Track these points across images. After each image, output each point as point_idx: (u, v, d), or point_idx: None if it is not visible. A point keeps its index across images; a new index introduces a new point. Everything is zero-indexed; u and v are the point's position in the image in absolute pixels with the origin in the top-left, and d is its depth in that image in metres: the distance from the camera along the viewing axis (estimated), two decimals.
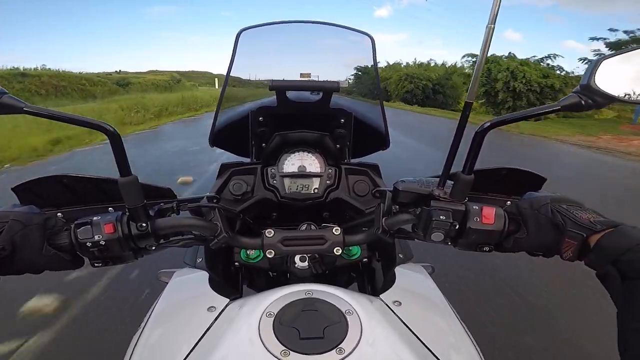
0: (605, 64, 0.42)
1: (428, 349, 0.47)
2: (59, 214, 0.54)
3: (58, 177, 0.55)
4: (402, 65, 26.08)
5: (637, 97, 0.42)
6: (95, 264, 0.49)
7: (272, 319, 0.44)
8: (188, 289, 0.65)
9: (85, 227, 0.46)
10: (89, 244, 0.46)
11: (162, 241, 0.52)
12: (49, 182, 0.55)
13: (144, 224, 0.48)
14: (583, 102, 0.42)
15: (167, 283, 0.68)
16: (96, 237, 0.46)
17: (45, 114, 0.41)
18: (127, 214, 0.48)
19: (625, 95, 0.42)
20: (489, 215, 0.48)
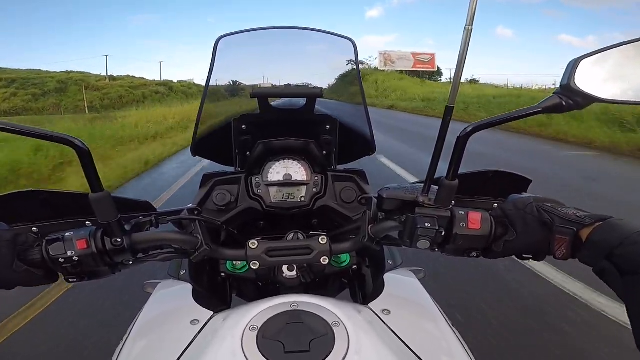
0: (584, 64, 0.41)
1: (419, 358, 0.46)
2: (33, 228, 0.52)
3: (32, 192, 0.53)
4: None
5: (618, 96, 0.41)
6: (70, 280, 0.48)
7: (256, 332, 0.43)
8: (171, 302, 0.64)
9: (57, 243, 0.45)
10: (61, 260, 0.45)
11: (140, 255, 0.51)
12: (23, 197, 0.53)
13: (118, 239, 0.47)
14: (564, 103, 0.41)
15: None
16: (69, 253, 0.45)
17: (12, 129, 0.39)
18: (102, 228, 0.47)
19: (605, 95, 0.41)
20: (475, 220, 0.47)
